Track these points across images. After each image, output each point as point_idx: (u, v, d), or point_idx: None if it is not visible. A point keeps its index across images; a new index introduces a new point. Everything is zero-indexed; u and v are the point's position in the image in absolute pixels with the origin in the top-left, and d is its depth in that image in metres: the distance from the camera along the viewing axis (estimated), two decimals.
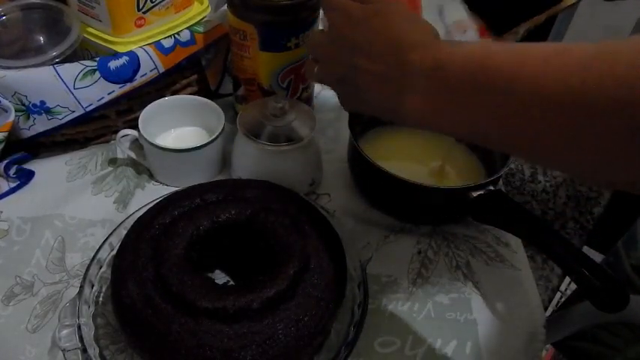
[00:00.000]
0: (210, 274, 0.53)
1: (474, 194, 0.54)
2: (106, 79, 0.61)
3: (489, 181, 0.57)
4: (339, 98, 0.47)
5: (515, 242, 0.60)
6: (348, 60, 0.42)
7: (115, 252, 0.50)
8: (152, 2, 0.63)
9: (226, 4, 0.62)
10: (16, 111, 0.59)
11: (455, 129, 0.38)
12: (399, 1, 0.44)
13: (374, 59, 0.41)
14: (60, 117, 0.61)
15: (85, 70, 0.60)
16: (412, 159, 0.66)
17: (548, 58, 0.31)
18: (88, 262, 0.50)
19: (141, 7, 0.62)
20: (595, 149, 0.29)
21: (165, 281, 0.44)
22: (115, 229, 0.53)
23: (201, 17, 0.69)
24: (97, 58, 0.61)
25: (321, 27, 0.65)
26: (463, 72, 0.35)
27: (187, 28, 0.67)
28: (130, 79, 0.63)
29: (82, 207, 0.61)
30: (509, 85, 0.32)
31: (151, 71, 0.64)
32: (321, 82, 0.48)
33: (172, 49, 0.65)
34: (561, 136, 0.30)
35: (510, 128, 0.34)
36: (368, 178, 0.62)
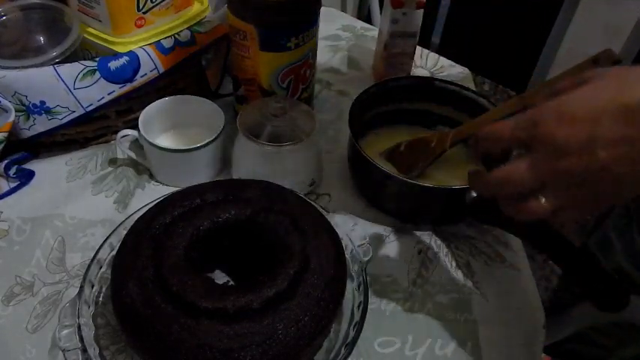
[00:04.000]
0: (210, 274, 0.53)
1: (474, 194, 0.54)
2: (106, 79, 0.61)
3: None
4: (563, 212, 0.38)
5: (515, 242, 0.60)
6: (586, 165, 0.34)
7: (115, 252, 0.50)
8: (152, 2, 0.63)
9: (226, 4, 0.62)
10: (16, 111, 0.59)
11: None
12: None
13: (617, 143, 0.33)
14: (60, 117, 0.61)
15: (85, 71, 0.60)
16: None
17: None
18: (88, 262, 0.50)
19: (141, 7, 0.62)
20: None
21: (165, 281, 0.44)
22: (115, 229, 0.53)
23: (201, 17, 0.69)
24: (97, 59, 0.61)
25: (321, 26, 0.65)
26: None
27: (187, 28, 0.67)
28: (130, 80, 0.63)
29: (82, 207, 0.61)
30: None
31: (151, 71, 0.64)
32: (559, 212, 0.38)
33: (172, 49, 0.65)
34: None
35: None
36: (368, 178, 0.62)
